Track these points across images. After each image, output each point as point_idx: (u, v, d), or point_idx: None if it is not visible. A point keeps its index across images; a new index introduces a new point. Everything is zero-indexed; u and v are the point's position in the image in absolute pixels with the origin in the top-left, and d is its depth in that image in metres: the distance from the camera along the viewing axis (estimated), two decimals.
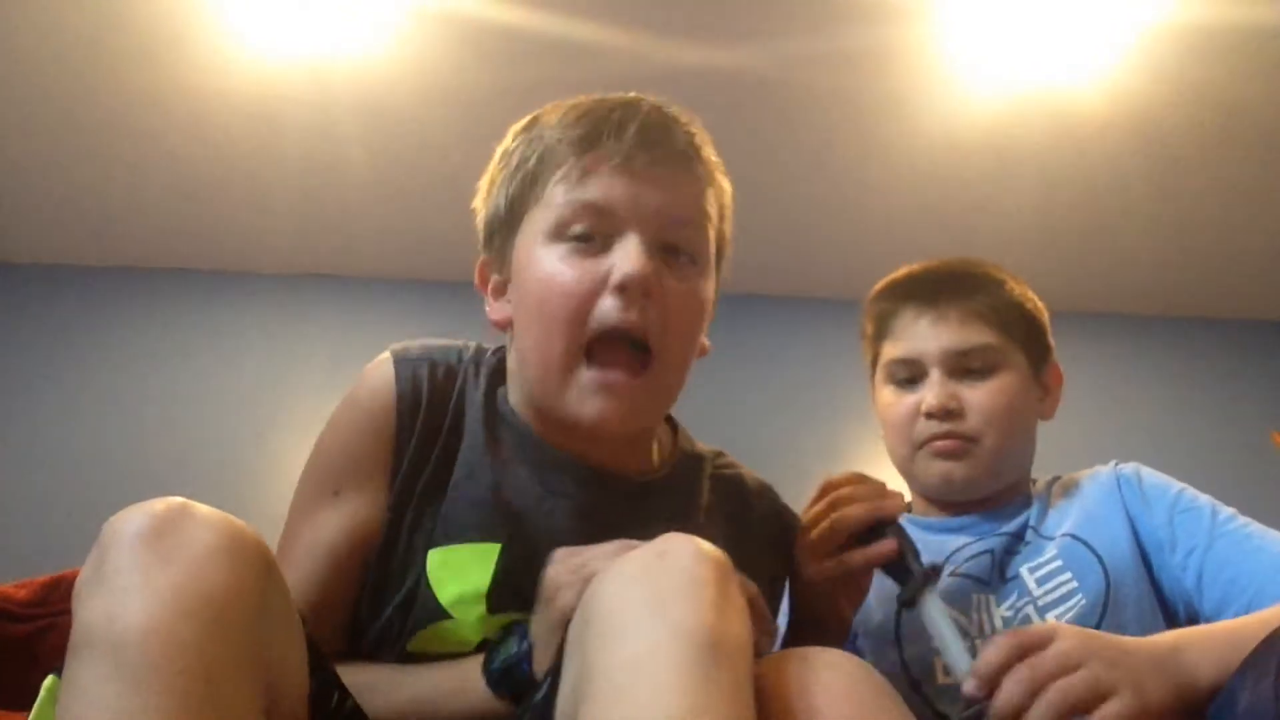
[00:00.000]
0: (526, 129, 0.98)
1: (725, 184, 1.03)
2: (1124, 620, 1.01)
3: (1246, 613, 0.93)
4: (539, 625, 0.79)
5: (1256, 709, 0.70)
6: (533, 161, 0.92)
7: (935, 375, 1.14)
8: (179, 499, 0.70)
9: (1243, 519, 1.06)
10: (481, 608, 0.83)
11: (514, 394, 0.93)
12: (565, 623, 0.73)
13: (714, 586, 0.67)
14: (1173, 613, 1.05)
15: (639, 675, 0.62)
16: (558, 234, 0.87)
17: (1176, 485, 1.11)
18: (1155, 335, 3.07)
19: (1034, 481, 1.22)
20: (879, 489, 0.95)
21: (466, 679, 0.81)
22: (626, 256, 0.84)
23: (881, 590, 1.12)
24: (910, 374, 1.17)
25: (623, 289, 0.83)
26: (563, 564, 0.80)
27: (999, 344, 1.14)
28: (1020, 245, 2.85)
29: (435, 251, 2.90)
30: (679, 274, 0.89)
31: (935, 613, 0.86)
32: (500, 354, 0.98)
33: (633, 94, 0.96)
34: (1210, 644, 0.81)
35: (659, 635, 0.63)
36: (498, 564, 0.84)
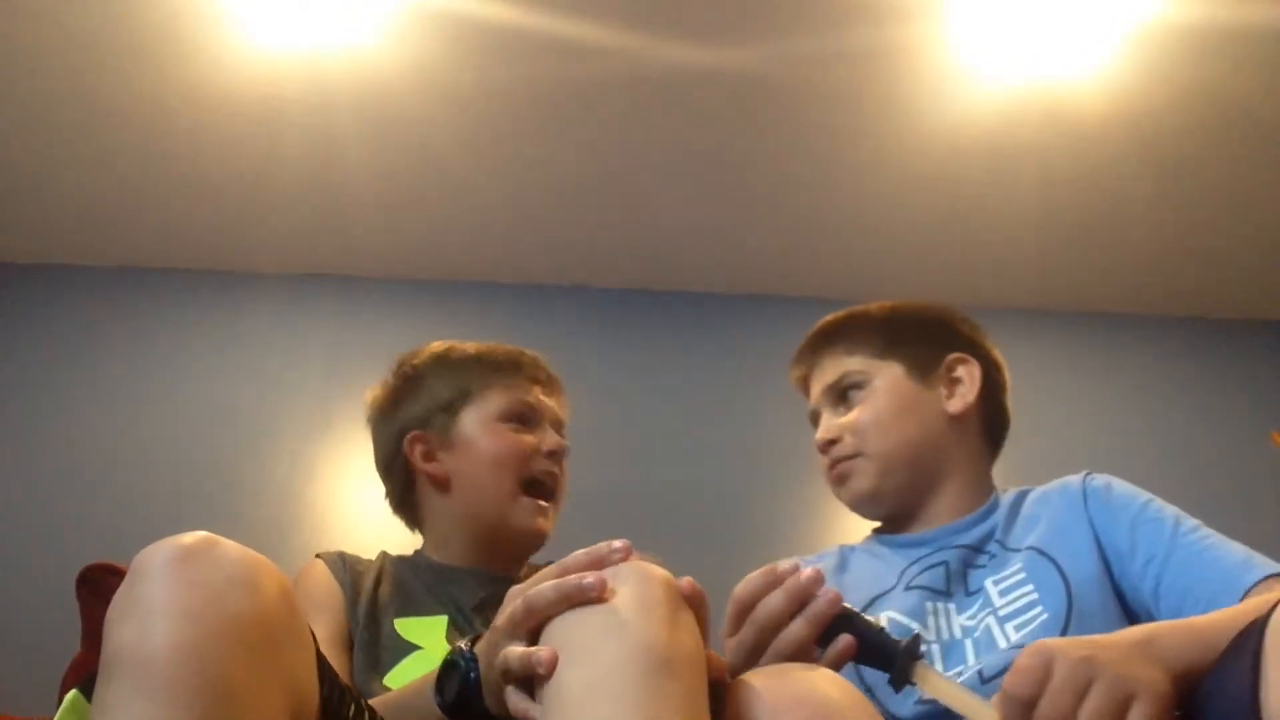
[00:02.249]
0: (444, 355, 1.39)
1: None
2: (1089, 630, 1.01)
3: None
4: (483, 648, 0.84)
5: (1240, 695, 0.71)
6: (474, 373, 1.35)
7: (823, 414, 1.29)
8: (206, 533, 0.75)
9: (1206, 530, 1.07)
10: (443, 644, 1.13)
11: (434, 544, 1.34)
12: (507, 630, 0.79)
13: (664, 606, 0.73)
14: (1135, 621, 1.05)
15: (597, 692, 0.67)
16: (503, 417, 1.32)
17: (1145, 496, 1.12)
18: (1155, 335, 3.07)
19: (1002, 492, 1.24)
20: (800, 588, 0.84)
21: (422, 697, 0.90)
22: (550, 436, 1.33)
23: (839, 589, 1.14)
24: (817, 423, 1.31)
25: (552, 454, 1.32)
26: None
27: (862, 366, 1.26)
28: (1020, 245, 2.86)
29: (435, 251, 2.90)
30: None
31: (937, 681, 0.82)
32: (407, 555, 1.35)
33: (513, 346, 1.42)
34: (1179, 636, 0.82)
35: (615, 655, 0.69)
36: (448, 624, 1.19)
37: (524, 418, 1.34)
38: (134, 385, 2.77)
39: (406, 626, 1.19)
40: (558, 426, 1.38)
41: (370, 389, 1.43)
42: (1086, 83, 2.35)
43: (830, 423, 1.27)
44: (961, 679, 1.02)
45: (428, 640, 1.17)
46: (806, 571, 0.85)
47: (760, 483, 2.69)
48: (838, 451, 1.24)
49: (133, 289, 2.91)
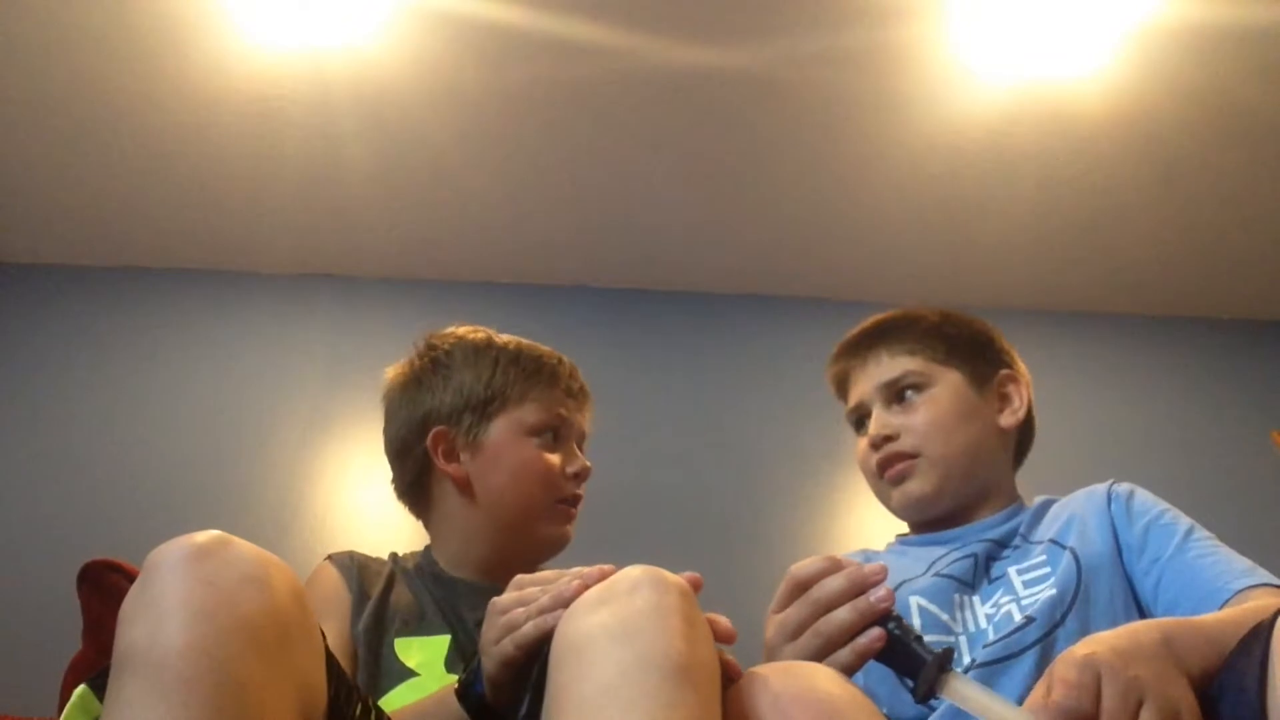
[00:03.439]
0: (485, 347, 1.33)
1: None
2: (1092, 614, 1.05)
3: None
4: (485, 639, 0.88)
5: (1248, 700, 0.73)
6: (514, 375, 1.30)
7: (875, 410, 1.27)
8: (219, 531, 0.75)
9: (1216, 542, 1.10)
10: (441, 667, 1.12)
11: (440, 552, 1.31)
12: (508, 633, 0.84)
13: (679, 614, 0.72)
14: (1140, 606, 1.10)
15: (609, 700, 0.66)
16: (535, 431, 1.29)
17: (1164, 506, 1.15)
18: (1155, 335, 3.07)
19: (1028, 500, 1.28)
20: (862, 577, 0.86)
21: (445, 700, 0.94)
22: (578, 457, 1.32)
23: None
24: (861, 418, 1.31)
25: (578, 476, 1.31)
26: (511, 589, 0.91)
27: (923, 368, 1.27)
28: (1020, 245, 2.86)
29: (435, 251, 2.90)
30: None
31: (969, 692, 0.80)
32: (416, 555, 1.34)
33: (549, 349, 1.38)
34: (1192, 638, 0.83)
35: (628, 662, 0.67)
36: (450, 645, 1.16)
37: (555, 434, 1.31)
38: (134, 385, 2.77)
39: (406, 647, 1.16)
40: (581, 442, 1.36)
41: (393, 366, 1.37)
42: (1086, 83, 2.35)
43: (887, 419, 1.26)
44: (972, 654, 1.05)
45: (426, 663, 1.15)
46: (872, 565, 0.86)
47: (760, 483, 2.69)
48: (895, 448, 1.24)
49: (133, 289, 2.91)
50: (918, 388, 1.26)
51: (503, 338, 1.35)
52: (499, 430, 1.28)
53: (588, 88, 2.38)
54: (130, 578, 1.25)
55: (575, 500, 1.32)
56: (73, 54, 2.29)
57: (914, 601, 1.12)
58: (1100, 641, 0.80)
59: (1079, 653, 0.78)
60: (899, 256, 2.88)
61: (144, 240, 2.86)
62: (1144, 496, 1.17)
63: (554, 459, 1.29)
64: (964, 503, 1.25)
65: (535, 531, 1.28)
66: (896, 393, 1.27)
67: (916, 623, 1.10)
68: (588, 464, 1.33)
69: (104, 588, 1.32)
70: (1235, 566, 1.04)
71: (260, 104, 2.42)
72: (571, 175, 2.64)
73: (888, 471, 1.25)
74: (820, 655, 0.84)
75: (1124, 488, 1.18)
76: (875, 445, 1.26)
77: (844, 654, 0.84)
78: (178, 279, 2.93)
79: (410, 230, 2.83)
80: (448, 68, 2.33)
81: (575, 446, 1.34)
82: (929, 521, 1.27)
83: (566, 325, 2.89)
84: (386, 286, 2.95)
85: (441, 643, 1.17)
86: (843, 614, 0.84)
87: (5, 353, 2.79)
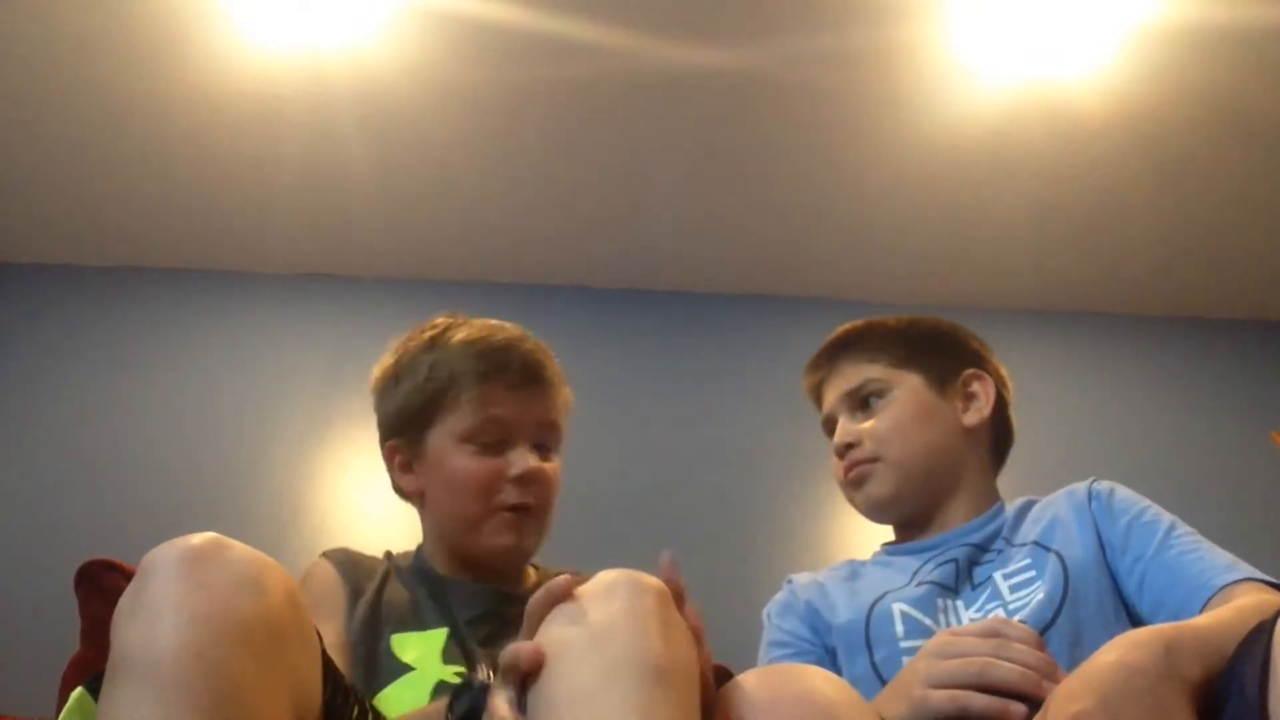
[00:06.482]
0: (428, 349, 1.26)
1: (567, 390, 1.31)
2: (1083, 615, 1.05)
3: (1174, 620, 0.95)
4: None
5: (1249, 702, 0.72)
6: (444, 379, 1.22)
7: (840, 419, 1.30)
8: (214, 534, 0.74)
9: (1198, 538, 1.10)
10: (438, 660, 1.11)
11: (429, 549, 1.28)
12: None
13: (655, 616, 0.71)
14: (1129, 607, 1.09)
15: (588, 705, 0.66)
16: (469, 438, 1.20)
17: (1145, 503, 1.15)
18: (1155, 335, 3.07)
19: (1008, 503, 1.27)
20: (1051, 667, 0.86)
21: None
22: (521, 459, 1.20)
23: (851, 592, 1.15)
24: (831, 428, 1.33)
25: (519, 480, 1.19)
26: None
27: (882, 374, 1.29)
28: (1020, 245, 2.86)
29: (435, 251, 2.91)
30: (547, 459, 1.25)
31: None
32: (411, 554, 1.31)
33: (512, 327, 1.29)
34: (1193, 644, 0.82)
35: (605, 666, 0.67)
36: (447, 638, 1.14)
37: (496, 436, 1.21)
38: (134, 385, 2.77)
39: (402, 643, 1.15)
40: (544, 430, 1.25)
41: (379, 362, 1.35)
42: (1086, 83, 2.35)
43: (849, 427, 1.28)
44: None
45: (422, 657, 1.14)
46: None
47: (760, 484, 2.69)
48: (856, 455, 1.26)
49: (133, 289, 2.91)
50: (878, 394, 1.28)
51: (451, 331, 1.27)
52: (435, 439, 1.22)
53: (588, 88, 2.38)
54: (128, 577, 1.25)
55: (522, 508, 1.21)
56: (73, 54, 2.29)
57: (897, 608, 1.12)
58: (1093, 687, 0.76)
59: (1069, 710, 0.75)
60: (899, 256, 2.88)
61: (144, 240, 2.86)
62: (1125, 494, 1.17)
63: (491, 465, 1.20)
64: (931, 503, 1.26)
65: (478, 545, 1.21)
66: (859, 400, 1.29)
67: (900, 629, 1.10)
68: (532, 465, 1.20)
69: (102, 587, 1.31)
70: (1218, 562, 1.04)
71: (260, 104, 2.42)
72: (571, 175, 2.64)
73: (848, 475, 1.27)
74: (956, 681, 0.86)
75: (1104, 486, 1.18)
76: (839, 454, 1.29)
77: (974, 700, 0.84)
78: (178, 279, 2.93)
79: (410, 230, 2.83)
80: (448, 68, 2.33)
81: (526, 447, 1.22)
82: (908, 525, 1.28)
83: (566, 325, 2.89)
84: (386, 286, 2.95)
85: (438, 636, 1.16)
86: (1008, 673, 0.85)
87: (5, 353, 2.79)
